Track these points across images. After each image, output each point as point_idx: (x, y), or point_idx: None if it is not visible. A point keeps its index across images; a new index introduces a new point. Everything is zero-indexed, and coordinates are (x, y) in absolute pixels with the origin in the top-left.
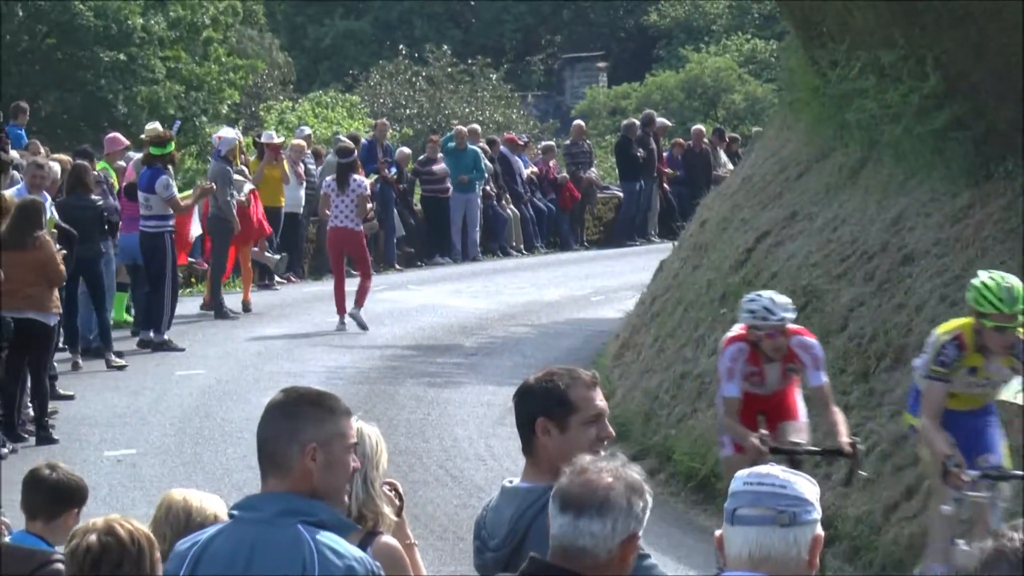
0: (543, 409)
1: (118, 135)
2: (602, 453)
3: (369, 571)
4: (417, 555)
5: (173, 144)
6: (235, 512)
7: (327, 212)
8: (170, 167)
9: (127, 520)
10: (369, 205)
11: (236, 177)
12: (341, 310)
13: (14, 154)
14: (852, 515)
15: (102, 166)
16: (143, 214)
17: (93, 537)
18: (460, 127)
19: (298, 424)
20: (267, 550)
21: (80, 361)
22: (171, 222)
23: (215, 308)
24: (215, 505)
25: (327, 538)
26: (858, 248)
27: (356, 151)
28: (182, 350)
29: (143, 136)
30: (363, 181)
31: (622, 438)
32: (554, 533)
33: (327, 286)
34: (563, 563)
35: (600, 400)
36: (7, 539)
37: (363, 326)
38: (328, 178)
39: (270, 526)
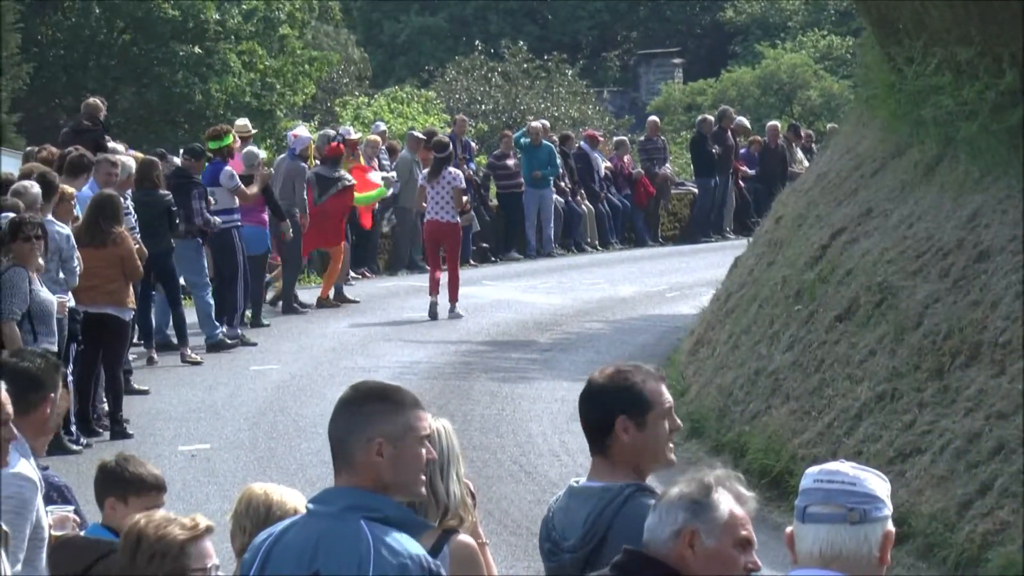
0: (622, 407)
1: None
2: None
3: (426, 570)
4: (488, 554)
5: (231, 137)
6: (310, 505)
7: (423, 205)
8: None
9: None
10: (465, 198)
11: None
12: (434, 291)
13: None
14: (926, 512)
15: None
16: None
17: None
18: (534, 123)
19: (365, 420)
20: (331, 545)
21: (155, 356)
22: (237, 216)
23: (284, 304)
24: (295, 499)
25: (387, 535)
26: (933, 245)
27: (451, 145)
28: (255, 344)
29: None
30: (458, 174)
31: (696, 434)
32: None
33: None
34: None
35: (668, 393)
36: (82, 533)
37: (459, 315)
38: (425, 170)
39: (337, 520)
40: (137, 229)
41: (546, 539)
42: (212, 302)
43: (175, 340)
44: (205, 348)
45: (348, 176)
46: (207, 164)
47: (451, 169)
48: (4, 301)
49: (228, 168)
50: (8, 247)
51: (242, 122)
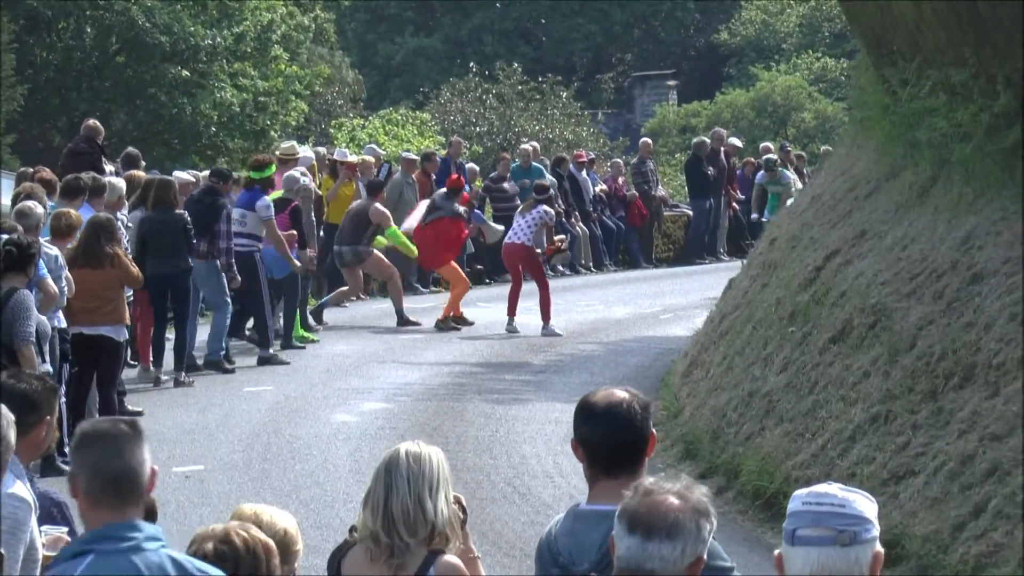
0: (650, 425)
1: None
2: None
3: None
4: (480, 568)
5: (274, 167)
6: (97, 546)
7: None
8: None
9: (245, 528)
10: (559, 237)
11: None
12: (511, 312)
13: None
14: (919, 534)
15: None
16: (236, 231)
17: (209, 545)
18: (525, 146)
19: (145, 452)
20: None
21: (162, 376)
22: (261, 244)
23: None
24: (285, 520)
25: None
26: (927, 267)
27: (551, 189)
28: (287, 363)
29: (276, 152)
30: (551, 211)
31: (690, 456)
32: (620, 554)
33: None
34: None
35: None
36: None
37: (555, 334)
38: (520, 207)
39: (147, 554)
40: (130, 248)
41: (552, 564)
42: (228, 324)
43: (199, 362)
44: (203, 362)
45: (459, 208)
46: (244, 190)
47: (546, 207)
48: (19, 324)
49: (267, 199)
50: (20, 270)
51: (288, 144)
